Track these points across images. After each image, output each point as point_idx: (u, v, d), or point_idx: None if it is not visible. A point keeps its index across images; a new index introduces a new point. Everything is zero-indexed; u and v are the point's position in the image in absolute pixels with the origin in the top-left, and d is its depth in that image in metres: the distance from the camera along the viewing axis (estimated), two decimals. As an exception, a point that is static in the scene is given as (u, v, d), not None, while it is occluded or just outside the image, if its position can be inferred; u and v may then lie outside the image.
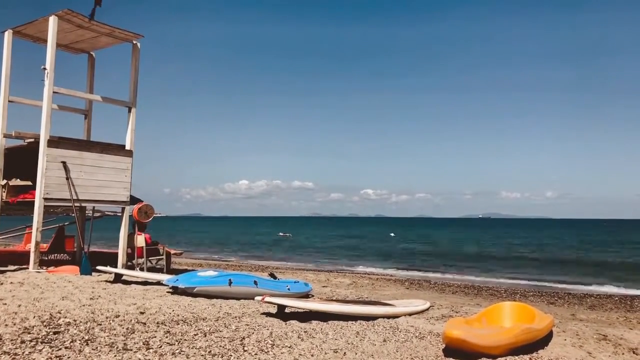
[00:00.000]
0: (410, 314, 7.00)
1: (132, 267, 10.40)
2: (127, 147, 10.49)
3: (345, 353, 4.38)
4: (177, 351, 3.96)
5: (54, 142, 9.36)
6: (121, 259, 10.25)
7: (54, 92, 9.43)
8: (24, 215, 11.62)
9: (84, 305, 5.50)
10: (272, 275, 9.13)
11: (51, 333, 4.17)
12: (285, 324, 5.44)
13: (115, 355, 3.71)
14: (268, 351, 4.22)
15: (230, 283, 7.46)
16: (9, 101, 10.20)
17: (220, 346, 4.23)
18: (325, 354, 4.31)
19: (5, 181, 10.08)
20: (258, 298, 6.02)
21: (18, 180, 10.19)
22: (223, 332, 4.76)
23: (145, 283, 8.44)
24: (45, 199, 9.19)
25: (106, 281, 8.21)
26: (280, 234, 64.22)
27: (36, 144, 9.40)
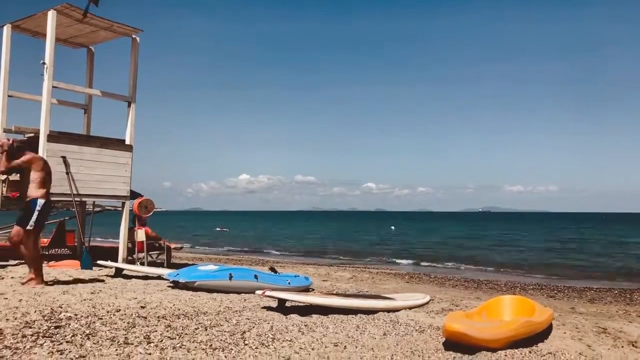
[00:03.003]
0: (410, 308, 7.02)
1: (132, 262, 10.42)
2: (127, 142, 10.48)
3: (345, 347, 4.39)
4: (178, 345, 3.98)
5: (53, 137, 9.35)
6: (122, 253, 10.26)
7: (53, 87, 9.41)
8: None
9: (84, 300, 5.52)
10: (272, 269, 9.14)
11: (52, 327, 4.18)
12: (286, 317, 5.45)
13: (116, 350, 3.72)
14: (269, 345, 4.24)
15: (230, 277, 7.48)
16: (8, 96, 10.18)
17: (221, 340, 4.25)
18: (326, 347, 4.32)
19: (5, 176, 10.08)
20: (259, 292, 6.04)
21: (18, 175, 10.19)
22: (224, 326, 4.77)
23: (145, 277, 8.46)
24: (46, 194, 9.17)
25: (107, 275, 8.23)
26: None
27: (36, 138, 9.39)
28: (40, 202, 6.51)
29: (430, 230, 64.38)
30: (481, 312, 5.82)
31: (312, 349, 4.23)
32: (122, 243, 10.31)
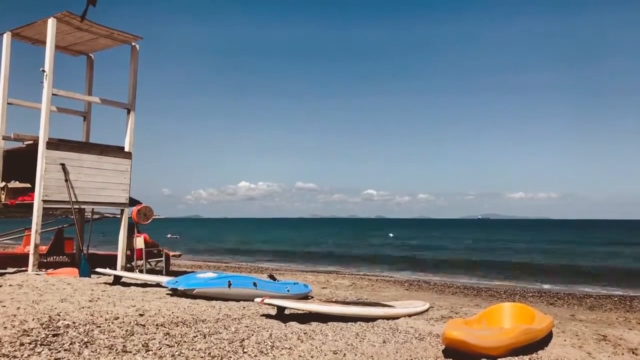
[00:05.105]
0: (409, 315, 7.00)
1: (131, 269, 10.39)
2: (126, 149, 10.49)
3: (344, 354, 4.37)
4: (177, 353, 3.96)
5: (53, 144, 9.35)
6: (120, 260, 10.24)
7: (53, 94, 9.44)
8: (23, 218, 11.63)
9: (83, 308, 5.50)
10: (271, 276, 9.12)
11: (50, 335, 4.16)
12: (285, 325, 5.43)
13: (114, 358, 3.70)
14: (268, 353, 4.22)
15: (229, 285, 7.46)
16: (8, 103, 10.21)
17: (220, 348, 4.23)
18: (325, 355, 4.30)
19: (4, 183, 10.08)
20: (257, 300, 6.02)
21: (17, 182, 10.19)
22: (223, 334, 4.75)
23: (144, 285, 8.43)
24: (44, 201, 9.18)
25: (105, 283, 8.20)
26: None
27: (35, 146, 9.40)
28: None
29: (430, 237, 64.34)
30: (481, 320, 5.80)
31: (312, 357, 4.21)
32: (120, 250, 10.29)
